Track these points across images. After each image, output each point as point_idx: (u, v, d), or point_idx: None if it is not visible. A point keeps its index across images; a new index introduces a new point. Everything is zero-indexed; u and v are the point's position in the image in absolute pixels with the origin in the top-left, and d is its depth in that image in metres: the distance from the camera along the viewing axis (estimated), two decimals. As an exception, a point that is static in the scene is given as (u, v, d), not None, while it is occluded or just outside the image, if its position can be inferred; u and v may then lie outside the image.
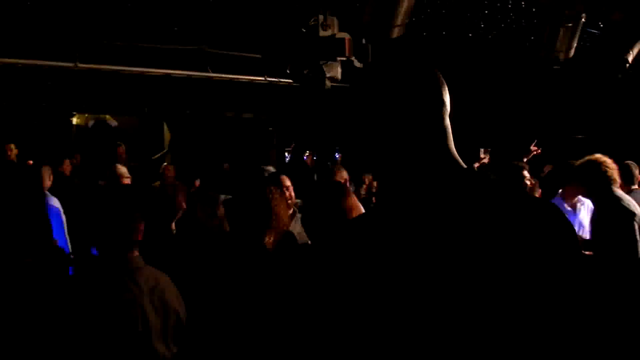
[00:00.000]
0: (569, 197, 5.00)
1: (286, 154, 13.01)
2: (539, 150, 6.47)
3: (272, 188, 2.85)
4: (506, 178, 4.81)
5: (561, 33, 6.90)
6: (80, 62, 7.59)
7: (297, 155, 11.89)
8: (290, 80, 8.34)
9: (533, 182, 5.24)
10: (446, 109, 1.33)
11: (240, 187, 3.91)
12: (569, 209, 4.95)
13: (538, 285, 1.09)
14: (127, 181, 5.93)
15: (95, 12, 7.20)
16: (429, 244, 1.16)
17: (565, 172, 4.98)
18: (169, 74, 8.15)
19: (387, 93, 1.32)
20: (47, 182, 5.92)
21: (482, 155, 6.73)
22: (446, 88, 1.36)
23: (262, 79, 8.65)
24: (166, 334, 2.30)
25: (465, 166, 1.31)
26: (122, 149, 9.05)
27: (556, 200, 4.97)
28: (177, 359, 2.33)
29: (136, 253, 2.39)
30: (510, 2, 7.38)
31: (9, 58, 7.39)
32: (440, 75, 1.38)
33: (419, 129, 1.29)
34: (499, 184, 1.27)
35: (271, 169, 6.58)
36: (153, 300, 2.27)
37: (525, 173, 4.87)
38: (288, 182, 4.29)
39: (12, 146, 7.93)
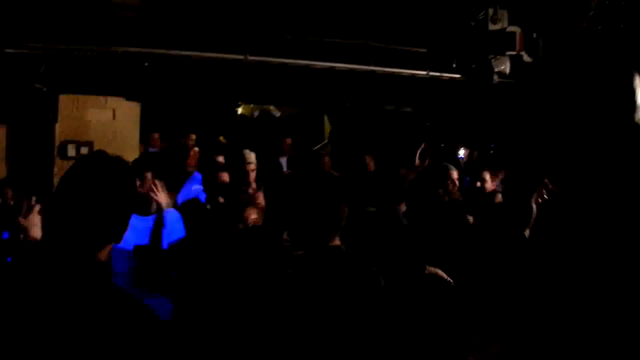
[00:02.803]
0: None
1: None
2: None
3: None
4: None
5: None
6: (250, 55, 7.89)
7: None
8: (453, 75, 8.22)
9: None
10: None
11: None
12: None
13: None
14: (252, 167, 6.04)
15: (265, 7, 7.47)
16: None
17: None
18: (333, 67, 8.29)
19: (581, 89, 1.29)
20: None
21: None
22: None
23: (424, 73, 8.58)
24: None
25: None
26: (289, 140, 9.33)
27: None
28: None
29: (338, 241, 2.33)
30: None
31: (184, 50, 7.84)
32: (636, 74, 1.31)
33: (610, 132, 1.23)
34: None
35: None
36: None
37: None
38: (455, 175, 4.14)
39: (193, 136, 8.47)
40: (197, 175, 6.18)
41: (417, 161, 3.80)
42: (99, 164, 1.89)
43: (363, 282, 2.21)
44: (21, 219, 2.93)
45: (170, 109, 10.69)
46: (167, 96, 10.29)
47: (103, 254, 1.84)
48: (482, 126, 11.74)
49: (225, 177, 5.91)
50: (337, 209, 2.30)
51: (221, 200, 4.67)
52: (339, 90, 10.29)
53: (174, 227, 4.23)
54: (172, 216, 4.40)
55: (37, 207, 3.02)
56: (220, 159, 6.31)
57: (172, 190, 5.35)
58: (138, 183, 4.24)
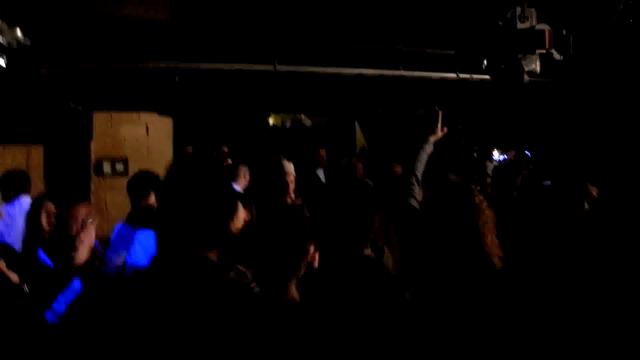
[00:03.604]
0: None
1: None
2: None
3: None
4: None
5: None
6: (279, 65, 7.93)
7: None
8: (483, 76, 8.14)
9: None
10: None
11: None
12: None
13: None
14: (292, 178, 6.02)
15: (292, 17, 7.50)
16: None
17: None
18: (362, 73, 8.28)
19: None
20: (243, 181, 6.23)
21: None
22: None
23: (454, 75, 8.52)
24: None
25: None
26: (323, 151, 9.32)
27: None
28: None
29: (368, 251, 2.37)
30: None
31: (213, 63, 7.91)
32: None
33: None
34: None
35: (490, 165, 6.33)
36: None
37: None
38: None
39: (225, 148, 8.54)
40: None
41: (439, 129, 3.82)
42: (195, 172, 2.00)
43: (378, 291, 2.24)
44: (79, 234, 2.90)
45: (202, 121, 10.79)
46: (199, 109, 10.39)
47: (213, 254, 1.93)
48: (515, 126, 11.63)
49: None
50: (370, 219, 2.35)
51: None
52: (369, 96, 10.27)
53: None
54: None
55: (95, 222, 3.01)
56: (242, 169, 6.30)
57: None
58: (143, 202, 4.28)
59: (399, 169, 8.64)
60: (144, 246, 4.25)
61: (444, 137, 3.98)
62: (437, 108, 3.93)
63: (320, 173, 9.11)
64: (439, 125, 3.83)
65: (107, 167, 7.91)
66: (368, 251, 2.34)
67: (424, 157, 3.71)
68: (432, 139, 3.82)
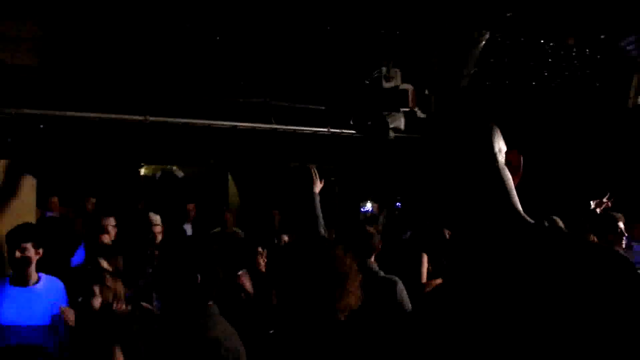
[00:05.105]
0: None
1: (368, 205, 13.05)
2: (610, 203, 6.05)
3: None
4: (599, 228, 4.93)
5: (635, 80, 6.83)
6: (150, 116, 7.83)
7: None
8: (352, 132, 8.41)
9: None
10: (500, 161, 1.34)
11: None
12: None
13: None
14: (158, 229, 5.98)
15: (165, 68, 7.47)
16: (497, 305, 1.19)
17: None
18: (235, 125, 8.32)
19: (443, 147, 1.36)
20: (107, 237, 6.00)
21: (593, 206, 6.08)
22: (499, 138, 1.38)
23: (326, 130, 8.74)
24: None
25: (530, 220, 1.31)
26: (191, 206, 9.27)
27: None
28: None
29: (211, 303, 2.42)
30: (575, 50, 7.31)
31: (83, 112, 7.70)
32: (494, 126, 1.40)
33: (474, 184, 1.30)
34: (570, 238, 1.26)
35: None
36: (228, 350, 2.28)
37: (620, 224, 4.95)
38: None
39: (93, 200, 8.26)
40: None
41: (317, 181, 4.04)
42: None
43: None
44: None
45: (70, 171, 10.42)
46: (66, 159, 10.04)
47: None
48: (387, 180, 12.03)
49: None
50: (215, 272, 2.42)
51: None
52: (243, 149, 10.32)
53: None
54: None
55: None
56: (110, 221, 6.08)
57: (64, 256, 5.25)
58: (17, 254, 4.13)
59: (278, 216, 8.79)
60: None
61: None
62: (309, 165, 4.12)
63: (188, 227, 9.04)
64: (316, 178, 4.04)
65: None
66: (210, 302, 2.42)
67: (318, 206, 3.92)
68: (316, 189, 4.02)
